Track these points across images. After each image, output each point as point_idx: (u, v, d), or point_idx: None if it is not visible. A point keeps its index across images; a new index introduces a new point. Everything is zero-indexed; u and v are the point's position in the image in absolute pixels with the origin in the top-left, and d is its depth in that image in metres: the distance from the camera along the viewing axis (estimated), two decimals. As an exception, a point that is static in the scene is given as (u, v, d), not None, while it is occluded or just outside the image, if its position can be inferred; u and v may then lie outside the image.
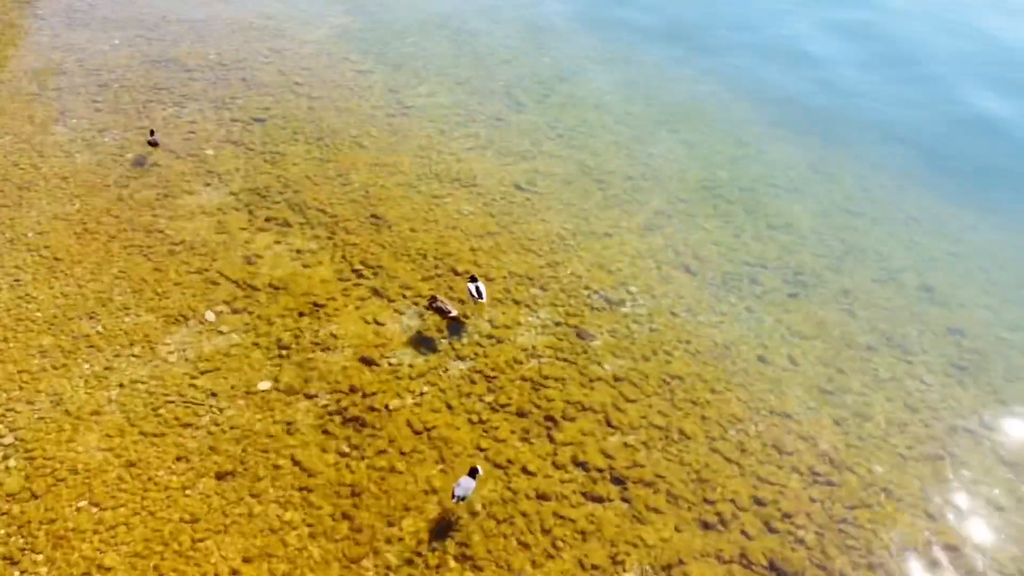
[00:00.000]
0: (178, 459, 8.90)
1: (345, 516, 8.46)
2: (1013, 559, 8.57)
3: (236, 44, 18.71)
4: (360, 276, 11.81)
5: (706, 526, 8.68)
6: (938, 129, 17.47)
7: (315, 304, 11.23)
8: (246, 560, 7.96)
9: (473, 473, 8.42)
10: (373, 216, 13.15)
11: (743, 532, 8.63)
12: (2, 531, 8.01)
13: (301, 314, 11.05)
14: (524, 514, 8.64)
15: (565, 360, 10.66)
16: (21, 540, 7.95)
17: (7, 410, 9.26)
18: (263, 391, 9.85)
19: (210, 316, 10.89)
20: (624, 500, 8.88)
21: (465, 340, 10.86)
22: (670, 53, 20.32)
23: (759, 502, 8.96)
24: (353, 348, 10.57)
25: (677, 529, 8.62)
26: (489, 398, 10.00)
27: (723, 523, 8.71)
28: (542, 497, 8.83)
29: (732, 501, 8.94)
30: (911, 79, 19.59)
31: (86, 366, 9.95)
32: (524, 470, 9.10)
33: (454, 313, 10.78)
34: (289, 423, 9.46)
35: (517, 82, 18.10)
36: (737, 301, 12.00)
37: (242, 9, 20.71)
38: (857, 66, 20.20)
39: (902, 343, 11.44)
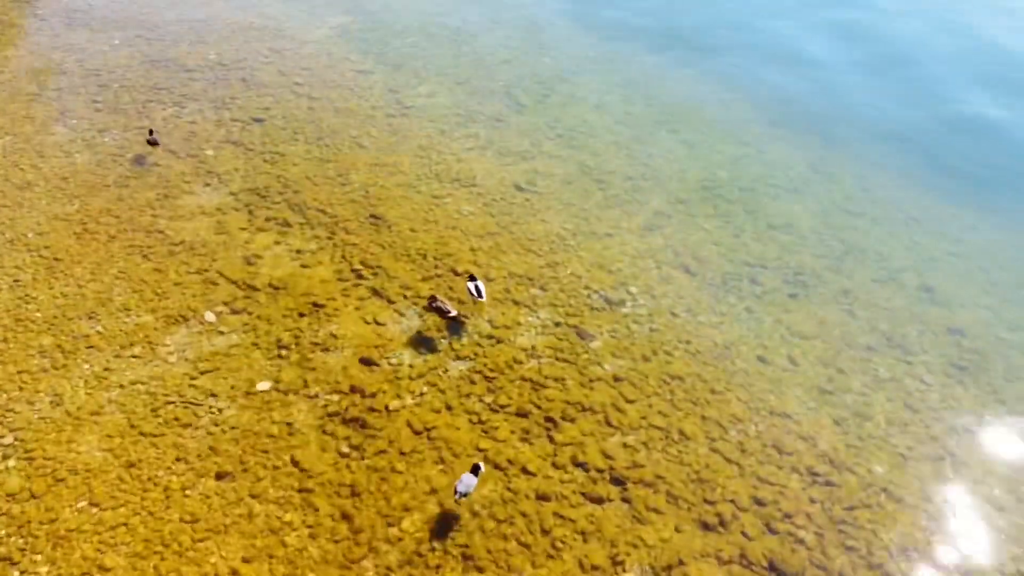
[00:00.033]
0: (178, 459, 8.90)
1: (345, 516, 8.46)
2: (1014, 559, 8.57)
3: (236, 44, 18.70)
4: (360, 276, 11.81)
5: (706, 526, 8.68)
6: (938, 129, 17.47)
7: (315, 304, 11.23)
8: (246, 560, 7.96)
9: (475, 470, 8.43)
10: (373, 216, 13.14)
11: (743, 532, 8.63)
12: (2, 531, 8.01)
13: (301, 314, 11.04)
14: (524, 514, 8.64)
15: (565, 360, 10.65)
16: (21, 540, 7.95)
17: (7, 410, 9.26)
18: (263, 391, 9.85)
19: (210, 316, 10.89)
20: (624, 500, 8.88)
21: (465, 340, 10.85)
22: (670, 53, 20.32)
23: (759, 502, 8.96)
24: (353, 348, 10.56)
25: (677, 529, 8.62)
26: (489, 398, 9.99)
27: (723, 523, 8.71)
28: (542, 497, 8.82)
29: (732, 501, 8.94)
30: (911, 79, 19.60)
31: (86, 366, 9.94)
32: (524, 470, 9.10)
33: (454, 313, 10.77)
34: (289, 423, 9.45)
35: (517, 82, 18.10)
36: (737, 301, 12.00)
37: (242, 9, 20.71)
38: (857, 66, 20.20)
39: (902, 343, 11.43)
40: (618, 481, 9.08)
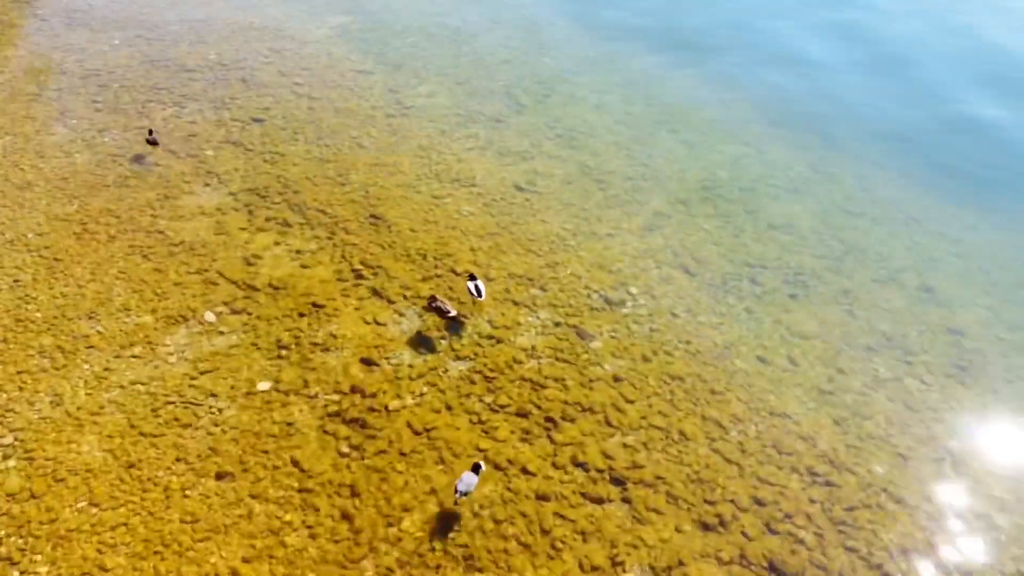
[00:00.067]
0: (178, 460, 8.90)
1: (345, 516, 8.46)
2: (1013, 559, 8.57)
3: (236, 44, 18.70)
4: (360, 276, 11.81)
5: (706, 527, 8.68)
6: (938, 129, 17.47)
7: (315, 304, 11.23)
8: (246, 561, 7.95)
9: (476, 469, 8.43)
10: (373, 216, 13.14)
11: (743, 533, 8.63)
12: (2, 531, 8.01)
13: (301, 314, 11.04)
14: (524, 514, 8.63)
15: (565, 361, 10.65)
16: (21, 540, 7.94)
17: (7, 410, 9.25)
18: (263, 392, 9.85)
19: (210, 316, 10.89)
20: (624, 501, 8.88)
21: (465, 340, 10.85)
22: (670, 53, 20.32)
23: (759, 502, 8.95)
24: (353, 348, 10.56)
25: (677, 530, 8.62)
26: (489, 398, 9.99)
27: (723, 524, 8.70)
28: (542, 497, 8.82)
29: (732, 502, 8.93)
30: (911, 79, 19.59)
31: (86, 367, 9.94)
32: (524, 470, 9.10)
33: (453, 313, 10.77)
34: (289, 423, 9.45)
35: (517, 82, 18.10)
36: (737, 301, 12.00)
37: (242, 9, 20.71)
38: (857, 66, 20.19)
39: (902, 343, 11.43)
40: (618, 481, 9.08)
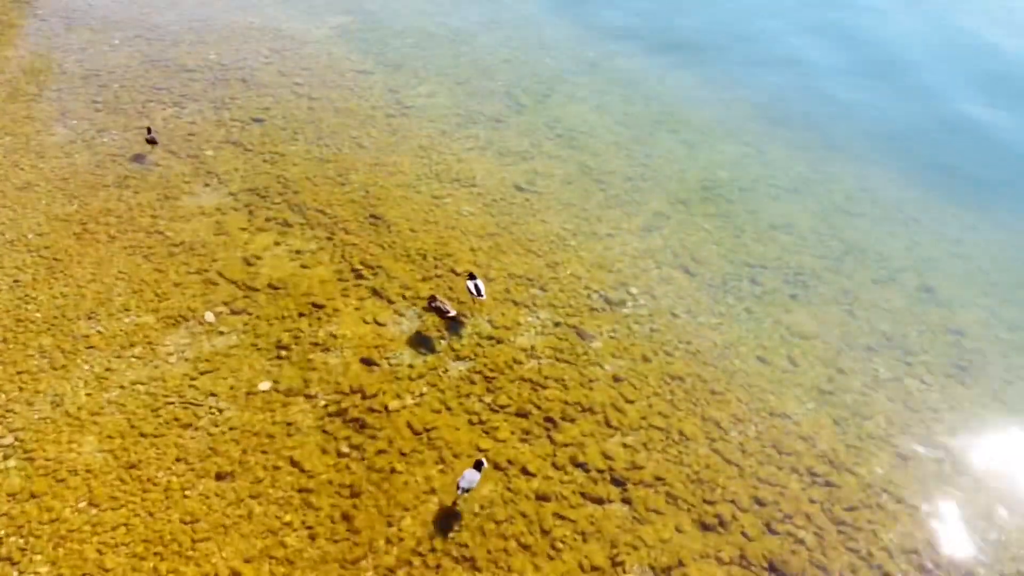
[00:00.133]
0: (178, 460, 8.90)
1: (345, 517, 8.46)
2: (1013, 559, 8.57)
3: (236, 44, 18.70)
4: (360, 276, 11.81)
5: (706, 527, 8.68)
6: (938, 130, 17.47)
7: (315, 305, 11.23)
8: (246, 561, 7.95)
9: (478, 466, 8.44)
10: (373, 216, 13.14)
11: (743, 533, 8.63)
12: (2, 531, 8.01)
13: (301, 314, 11.04)
14: (524, 515, 8.63)
15: (565, 361, 10.65)
16: (21, 540, 7.94)
17: (7, 411, 9.25)
18: (263, 392, 9.85)
19: (209, 317, 10.89)
20: (624, 501, 8.88)
21: (465, 340, 10.85)
22: (670, 53, 20.32)
23: (759, 503, 8.95)
24: (353, 349, 10.56)
25: (677, 530, 8.62)
26: (488, 399, 9.99)
27: (723, 524, 8.70)
28: (542, 498, 8.82)
29: (732, 502, 8.93)
30: (911, 80, 19.60)
31: (86, 367, 9.94)
32: (524, 471, 9.10)
33: (453, 313, 10.77)
34: (289, 424, 9.45)
35: (517, 82, 18.10)
36: (737, 302, 12.00)
37: (242, 9, 20.71)
38: (857, 67, 20.19)
39: (902, 343, 11.43)
40: (618, 482, 9.08)
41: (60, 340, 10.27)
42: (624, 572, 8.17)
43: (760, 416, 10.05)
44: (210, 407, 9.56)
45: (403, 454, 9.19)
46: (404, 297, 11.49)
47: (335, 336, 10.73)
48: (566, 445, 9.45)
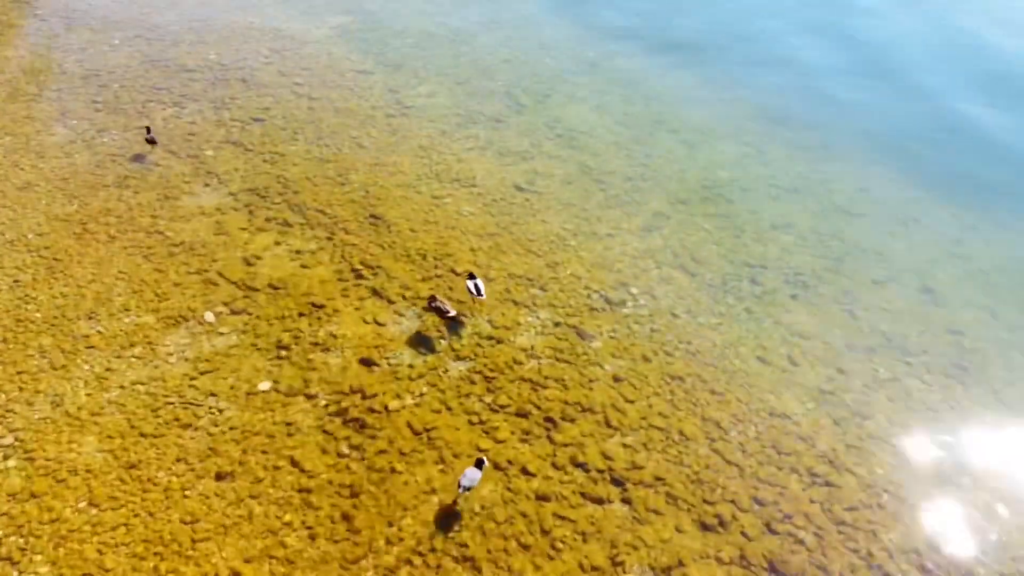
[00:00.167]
0: (178, 460, 8.90)
1: (345, 517, 8.46)
2: (1014, 559, 8.57)
3: (236, 44, 18.70)
4: (360, 276, 11.81)
5: (706, 527, 8.68)
6: (938, 130, 17.47)
7: (314, 305, 11.23)
8: (246, 561, 7.95)
9: (479, 464, 8.44)
10: (373, 216, 13.14)
11: (743, 533, 8.63)
12: (2, 532, 8.01)
13: (301, 314, 11.04)
14: (524, 515, 8.63)
15: (565, 361, 10.65)
16: (21, 540, 7.95)
17: (7, 411, 9.26)
18: (263, 392, 9.85)
19: (209, 317, 10.89)
20: (624, 501, 8.88)
21: (465, 340, 10.85)
22: (670, 53, 20.31)
23: (759, 503, 8.95)
24: (353, 349, 10.56)
25: (677, 530, 8.62)
26: (489, 399, 9.99)
27: (723, 524, 8.70)
28: (542, 498, 8.82)
29: (732, 502, 8.93)
30: (912, 80, 19.59)
31: (86, 367, 9.94)
32: (524, 471, 9.10)
33: (453, 313, 10.77)
34: (289, 424, 9.45)
35: (517, 82, 18.10)
36: (737, 302, 12.00)
37: (242, 9, 20.71)
38: (858, 67, 20.18)
39: (902, 343, 11.43)
40: (618, 482, 9.08)
41: (60, 340, 10.27)
42: (624, 572, 8.18)
43: (760, 416, 10.05)
44: (210, 407, 9.56)
45: (403, 454, 9.19)
46: (404, 297, 11.49)
47: (335, 336, 10.73)
48: (566, 445, 9.45)
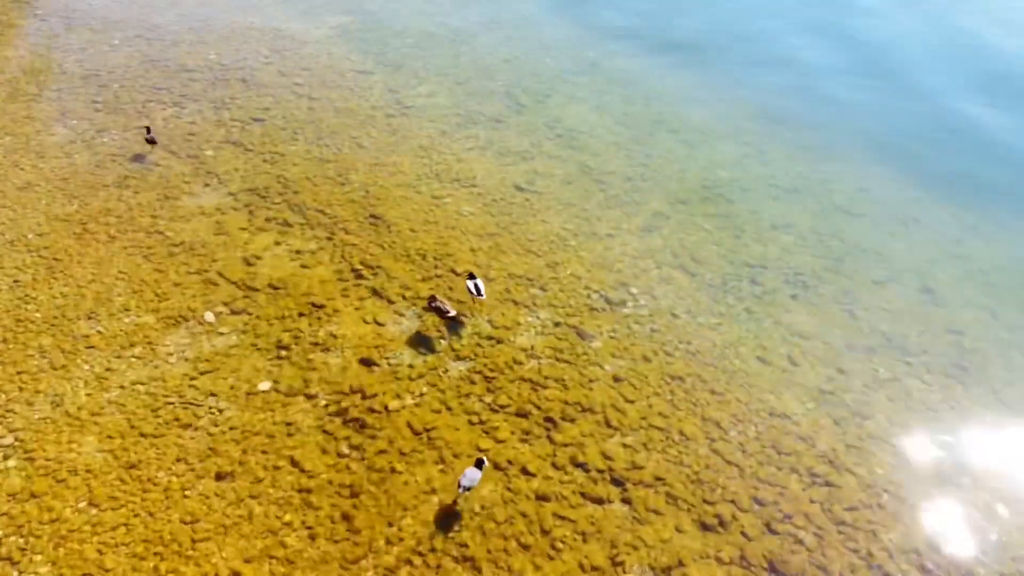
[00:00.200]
0: (178, 460, 8.90)
1: (345, 517, 8.46)
2: (1014, 559, 8.57)
3: (236, 44, 18.70)
4: (360, 276, 11.81)
5: (706, 527, 8.68)
6: (939, 130, 17.47)
7: (314, 305, 11.23)
8: (246, 561, 7.95)
9: (479, 464, 8.44)
10: (373, 216, 13.14)
11: (743, 533, 8.63)
12: (2, 532, 8.01)
13: (301, 314, 11.04)
14: (524, 515, 8.63)
15: (565, 361, 10.65)
16: (21, 540, 7.94)
17: (7, 411, 9.25)
18: (263, 392, 9.85)
19: (209, 317, 10.89)
20: (624, 501, 8.88)
21: (465, 340, 10.85)
22: (670, 53, 20.32)
23: (759, 503, 8.95)
24: (353, 349, 10.56)
25: (677, 530, 8.62)
26: (489, 399, 9.99)
27: (723, 524, 8.70)
28: (542, 498, 8.82)
29: (732, 502, 8.93)
30: (912, 81, 19.59)
31: (86, 367, 9.94)
32: (524, 471, 9.10)
33: (453, 313, 10.77)
34: (289, 424, 9.45)
35: (517, 82, 18.10)
36: (737, 302, 12.00)
37: (242, 9, 20.71)
38: (858, 67, 20.19)
39: (902, 343, 11.43)
40: (618, 482, 9.08)
41: (60, 340, 10.27)
42: (624, 572, 8.18)
43: (760, 416, 10.05)
44: (210, 407, 9.56)
45: (403, 454, 9.19)
46: (404, 297, 11.49)
47: (335, 336, 10.73)
48: (566, 445, 9.45)
